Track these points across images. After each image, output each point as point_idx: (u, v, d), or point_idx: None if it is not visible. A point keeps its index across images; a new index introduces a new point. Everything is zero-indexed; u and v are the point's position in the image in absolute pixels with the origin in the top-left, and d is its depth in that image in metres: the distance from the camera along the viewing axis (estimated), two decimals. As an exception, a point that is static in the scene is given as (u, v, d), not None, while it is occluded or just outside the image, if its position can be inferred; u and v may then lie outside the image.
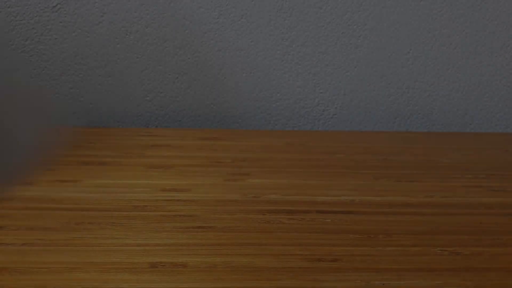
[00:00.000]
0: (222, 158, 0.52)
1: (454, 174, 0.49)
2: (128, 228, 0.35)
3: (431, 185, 0.46)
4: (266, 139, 0.60)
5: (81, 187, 0.43)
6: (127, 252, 0.32)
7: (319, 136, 0.63)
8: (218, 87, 0.68)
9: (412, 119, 0.72)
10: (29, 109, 0.58)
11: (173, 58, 0.67)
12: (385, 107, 0.72)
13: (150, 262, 0.30)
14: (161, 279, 0.29)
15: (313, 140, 0.60)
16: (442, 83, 0.71)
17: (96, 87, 0.67)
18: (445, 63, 0.70)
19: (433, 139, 0.62)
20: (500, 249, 0.34)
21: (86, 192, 0.42)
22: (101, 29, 0.65)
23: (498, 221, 0.38)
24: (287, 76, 0.69)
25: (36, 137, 0.49)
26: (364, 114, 0.72)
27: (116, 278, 0.29)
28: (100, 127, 0.66)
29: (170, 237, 0.34)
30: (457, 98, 0.72)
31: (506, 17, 0.69)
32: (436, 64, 0.70)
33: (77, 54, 0.65)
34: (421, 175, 0.49)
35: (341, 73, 0.70)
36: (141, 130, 0.62)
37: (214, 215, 0.38)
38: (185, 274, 0.29)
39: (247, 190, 0.44)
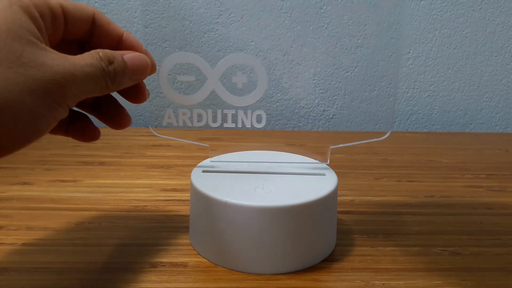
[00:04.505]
0: (222, 158, 0.52)
1: (454, 174, 0.49)
2: (128, 228, 0.35)
3: (431, 185, 0.46)
4: (266, 139, 0.60)
5: (81, 187, 0.43)
6: (127, 252, 0.32)
7: (319, 136, 0.63)
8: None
9: (412, 119, 0.72)
10: None
11: (173, 58, 0.67)
12: (385, 107, 0.72)
13: (150, 262, 0.30)
14: (161, 279, 0.29)
15: (313, 140, 0.60)
16: (442, 83, 0.71)
17: (96, 87, 0.67)
18: (445, 63, 0.70)
19: (433, 139, 0.62)
20: (500, 249, 0.34)
21: (86, 192, 0.42)
22: (101, 29, 0.65)
23: (498, 221, 0.38)
24: (287, 76, 0.69)
25: None
26: (364, 114, 0.72)
27: (116, 278, 0.29)
28: (100, 127, 0.66)
29: (170, 237, 0.34)
30: (457, 98, 0.72)
31: (506, 17, 0.69)
32: (436, 64, 0.70)
33: (77, 54, 0.65)
34: (421, 175, 0.49)
35: (341, 73, 0.70)
36: (141, 130, 0.62)
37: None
38: (185, 274, 0.29)
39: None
